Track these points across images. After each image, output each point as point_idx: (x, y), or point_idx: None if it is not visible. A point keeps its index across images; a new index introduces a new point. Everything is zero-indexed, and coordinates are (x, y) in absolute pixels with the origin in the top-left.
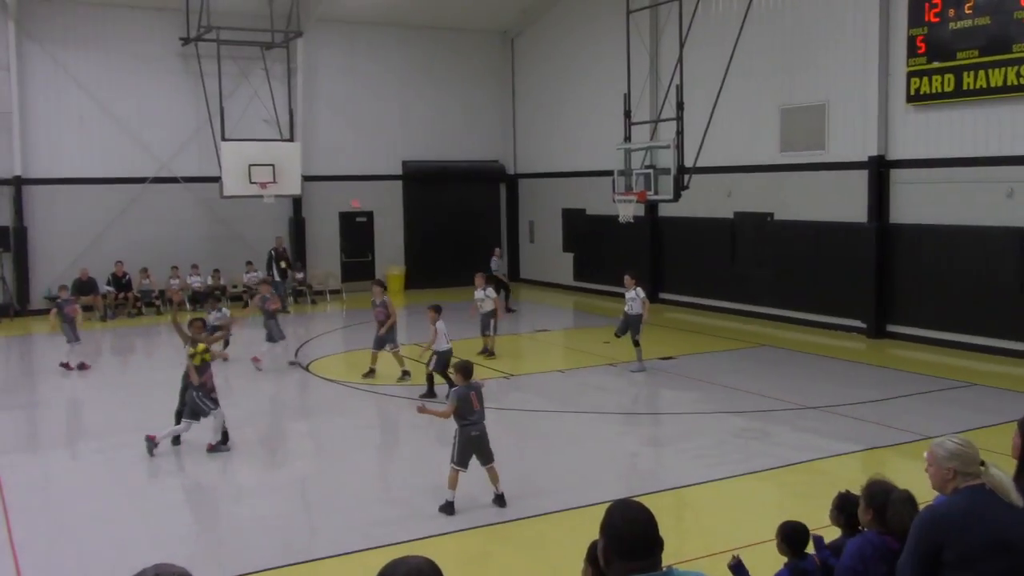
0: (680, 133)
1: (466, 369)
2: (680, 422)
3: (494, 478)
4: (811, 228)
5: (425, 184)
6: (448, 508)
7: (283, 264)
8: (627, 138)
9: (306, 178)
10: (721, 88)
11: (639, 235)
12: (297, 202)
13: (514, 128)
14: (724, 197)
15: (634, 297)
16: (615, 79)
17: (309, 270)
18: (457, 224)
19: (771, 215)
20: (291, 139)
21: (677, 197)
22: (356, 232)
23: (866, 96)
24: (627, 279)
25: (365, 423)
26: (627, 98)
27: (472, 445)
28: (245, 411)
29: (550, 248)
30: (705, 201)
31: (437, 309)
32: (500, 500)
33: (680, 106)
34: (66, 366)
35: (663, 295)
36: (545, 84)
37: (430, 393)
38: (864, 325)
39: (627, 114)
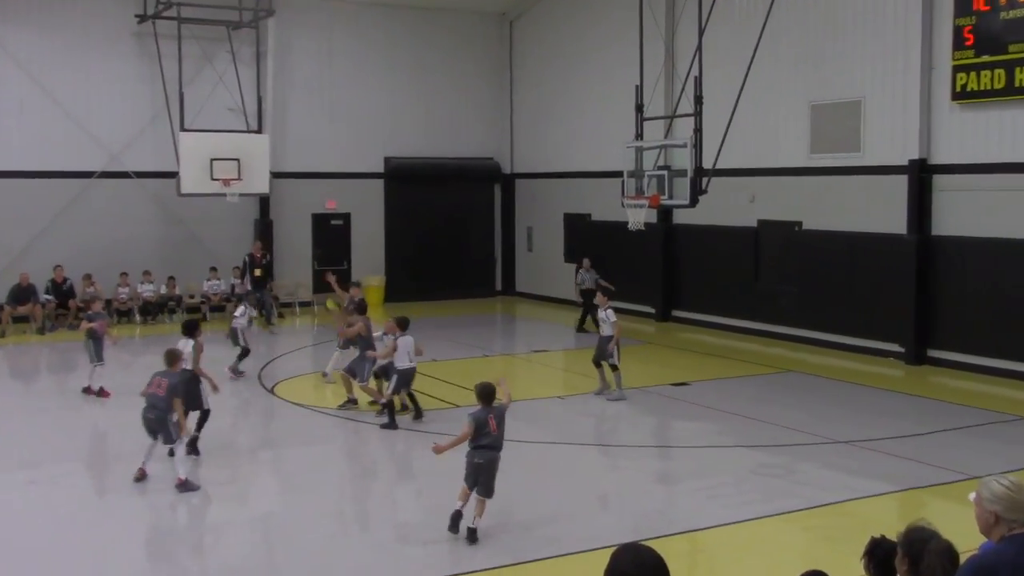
0: (698, 130)
1: (484, 392)
2: (694, 456)
3: (479, 510)
4: (844, 239)
5: (410, 184)
6: (453, 516)
7: (257, 272)
8: (638, 135)
9: (275, 175)
10: (745, 81)
11: (651, 244)
12: (264, 202)
13: (511, 122)
14: (747, 203)
15: (604, 319)
16: (626, 69)
17: (276, 279)
18: (446, 229)
19: (799, 224)
20: (259, 131)
21: (694, 202)
22: (331, 237)
23: (907, 92)
24: (599, 297)
25: (339, 453)
26: (639, 90)
27: (475, 471)
28: (204, 441)
29: (550, 258)
30: (725, 207)
31: (401, 323)
32: (472, 535)
33: (699, 100)
34: (88, 391)
35: (677, 313)
36: (547, 73)
37: (391, 423)
38: (902, 349)
39: (639, 108)
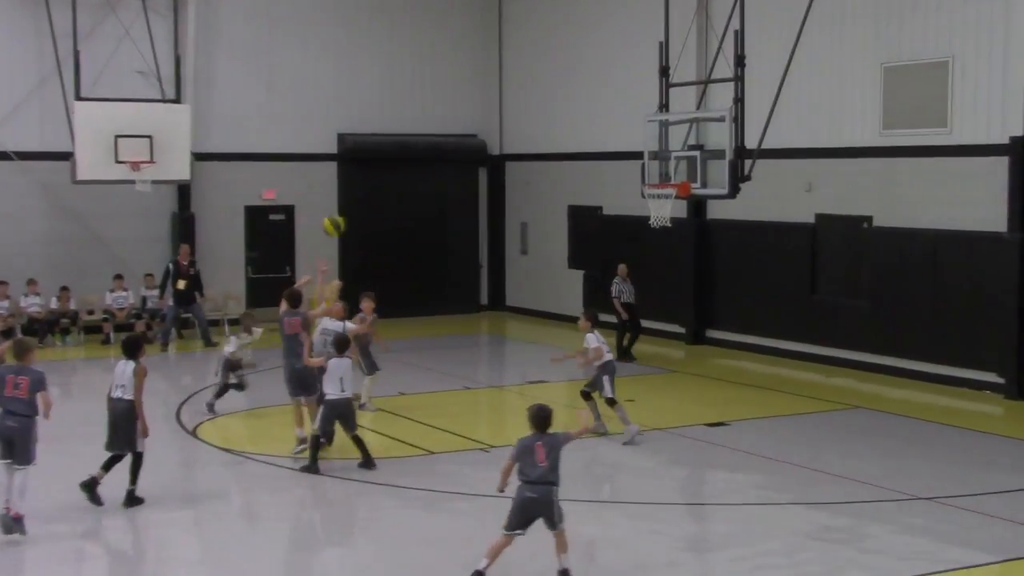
0: (739, 100)
1: (538, 417)
2: (735, 517)
3: (560, 545)
4: (926, 239)
5: (371, 168)
6: None
7: (180, 284)
8: (663, 106)
9: (198, 156)
10: (799, 37)
11: (679, 245)
12: (184, 191)
13: (501, 90)
14: (802, 193)
15: (586, 344)
16: (647, 22)
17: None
18: (417, 226)
19: (869, 220)
20: (177, 100)
21: (734, 192)
22: (269, 236)
23: (1009, 51)
24: (581, 322)
25: (273, 513)
26: (664, 48)
27: (526, 508)
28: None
29: (550, 262)
30: (774, 198)
31: (339, 344)
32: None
33: (740, 61)
34: None
35: (712, 333)
36: (546, 28)
37: (312, 465)
38: (1002, 380)
39: (664, 72)
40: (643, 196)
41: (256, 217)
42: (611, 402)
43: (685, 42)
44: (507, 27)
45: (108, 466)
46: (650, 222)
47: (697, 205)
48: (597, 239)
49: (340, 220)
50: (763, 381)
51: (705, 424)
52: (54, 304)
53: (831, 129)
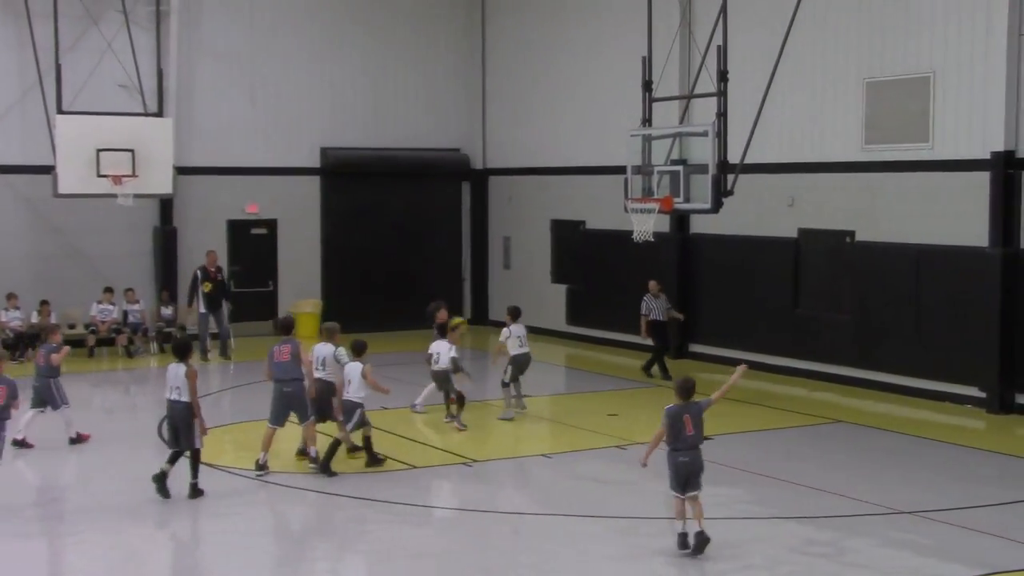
0: (722, 115)
1: (684, 388)
2: (720, 532)
3: (697, 513)
4: (908, 254)
5: (354, 182)
6: (679, 540)
7: (207, 287)
8: (646, 121)
9: (180, 170)
10: (781, 52)
11: (662, 260)
12: (166, 205)
13: (484, 105)
14: (785, 208)
15: (508, 335)
16: (630, 37)
17: (181, 305)
18: (400, 241)
19: (851, 234)
20: (159, 113)
21: (717, 206)
22: (252, 250)
23: (989, 66)
24: (509, 317)
25: (276, 531)
26: (647, 63)
27: (680, 471)
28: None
29: (533, 277)
30: (757, 213)
31: (357, 347)
32: (702, 539)
33: (723, 76)
34: (78, 438)
35: (694, 347)
36: (529, 44)
37: (324, 468)
38: (983, 395)
39: (647, 86)
40: (626, 211)
41: (238, 231)
42: (504, 384)
43: (668, 57)
44: (491, 42)
45: (173, 460)
46: (633, 237)
47: (680, 220)
48: (580, 253)
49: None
50: (746, 395)
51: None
52: (35, 319)
53: (813, 144)
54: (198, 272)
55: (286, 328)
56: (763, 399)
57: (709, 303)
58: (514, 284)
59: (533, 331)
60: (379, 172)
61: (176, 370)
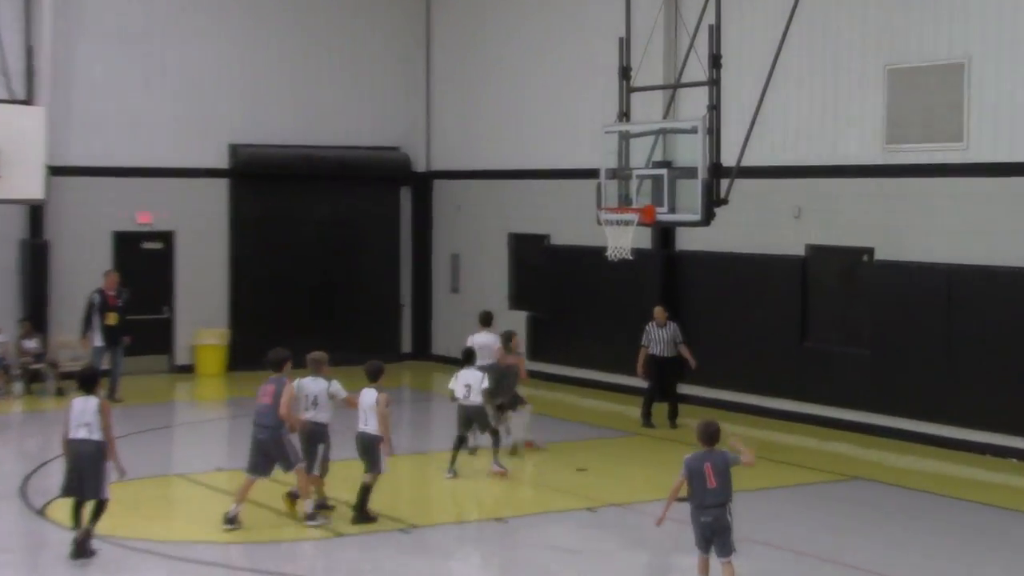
0: (715, 108)
1: (706, 433)
2: None
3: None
4: (938, 275)
5: (270, 186)
6: None
7: (111, 319)
8: (623, 115)
9: (54, 171)
10: (786, 33)
11: (642, 282)
12: (36, 213)
13: (428, 95)
14: (790, 220)
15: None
16: (605, 14)
17: (53, 335)
18: (325, 257)
19: (869, 252)
20: (28, 101)
21: (708, 218)
22: (143, 268)
23: None
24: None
25: None
26: (624, 46)
27: (705, 531)
28: None
29: (487, 302)
30: (756, 226)
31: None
32: None
33: (716, 62)
34: None
35: (682, 388)
36: (483, 23)
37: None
38: None
39: (625, 74)
40: (599, 223)
41: (127, 246)
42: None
43: (651, 38)
44: (436, 20)
45: (78, 514)
46: (607, 254)
47: (664, 234)
48: (543, 274)
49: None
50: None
51: (675, 499)
52: None
53: (824, 144)
54: (95, 297)
55: (276, 364)
56: (765, 451)
57: (699, 334)
58: (464, 311)
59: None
60: (301, 175)
61: (84, 404)
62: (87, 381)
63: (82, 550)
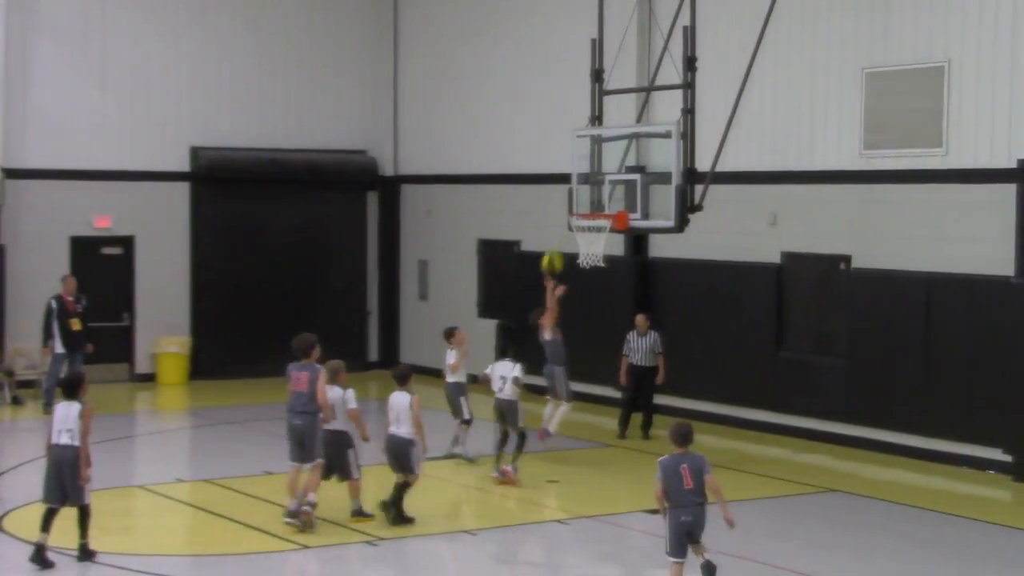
0: (690, 112)
1: (679, 434)
2: None
3: (701, 550)
4: (916, 284)
5: (232, 190)
6: None
7: (75, 325)
8: (595, 119)
9: (8, 173)
10: (762, 36)
11: (614, 290)
12: None
13: (395, 97)
14: (766, 227)
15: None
16: (577, 15)
17: (8, 343)
18: (290, 264)
19: (847, 260)
20: None
21: (682, 224)
22: (102, 274)
23: (1017, 54)
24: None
25: None
26: (597, 47)
27: (682, 532)
28: None
29: (456, 310)
30: (731, 233)
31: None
32: (709, 568)
33: (691, 65)
34: None
35: (657, 398)
36: (452, 22)
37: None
38: (1009, 458)
39: (597, 76)
40: (570, 229)
41: (84, 251)
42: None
43: (623, 40)
44: (404, 20)
45: (48, 523)
46: (579, 261)
47: (637, 240)
48: (513, 281)
49: (556, 257)
50: (717, 458)
51: (644, 511)
52: None
53: (801, 149)
54: (52, 303)
55: (304, 351)
56: (739, 463)
57: (673, 344)
58: (432, 319)
59: None
60: (264, 178)
61: (67, 410)
62: (71, 387)
63: (42, 560)
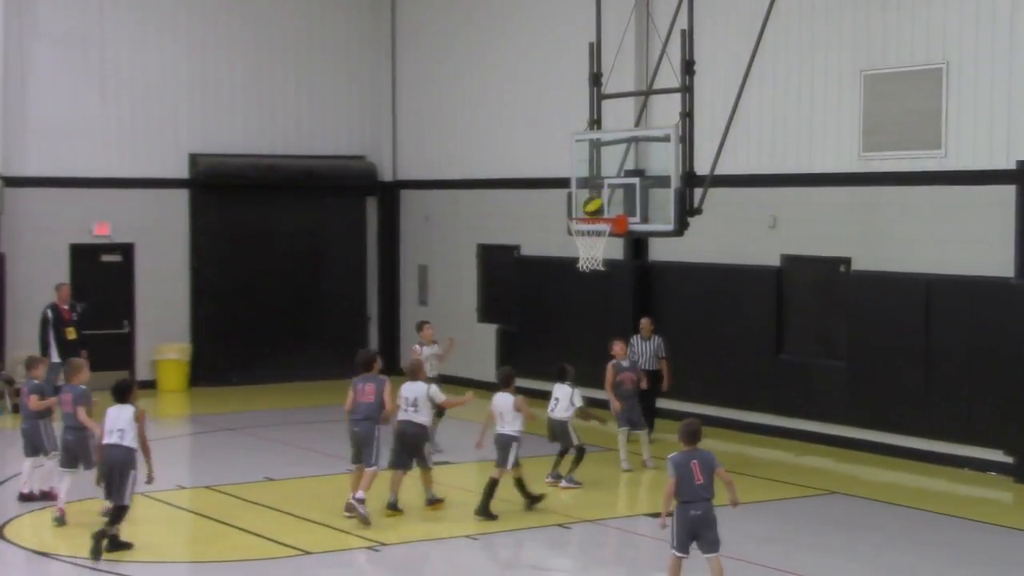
0: (688, 115)
1: (688, 432)
2: None
3: (715, 571)
4: (917, 286)
5: (231, 197)
6: None
7: (71, 334)
8: (594, 123)
9: (8, 181)
10: (760, 38)
11: (614, 293)
12: None
13: (394, 103)
14: (765, 229)
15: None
16: (576, 19)
17: (9, 351)
18: (289, 270)
19: (847, 262)
20: None
21: (681, 228)
22: (101, 281)
23: (1015, 56)
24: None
25: None
26: (595, 51)
27: (690, 527)
28: None
29: (455, 315)
30: (731, 236)
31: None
32: None
33: (689, 68)
34: (30, 497)
35: (656, 401)
36: (450, 29)
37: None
38: (1010, 460)
39: (595, 80)
40: (570, 233)
41: (84, 258)
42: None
43: (622, 44)
44: (403, 25)
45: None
46: (578, 265)
47: (636, 244)
48: (513, 286)
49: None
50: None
51: (645, 514)
52: None
53: (800, 152)
54: (48, 312)
55: (367, 364)
56: (740, 466)
57: (672, 347)
58: (432, 324)
59: (455, 381)
60: (263, 184)
61: (118, 412)
62: (122, 391)
63: (97, 550)
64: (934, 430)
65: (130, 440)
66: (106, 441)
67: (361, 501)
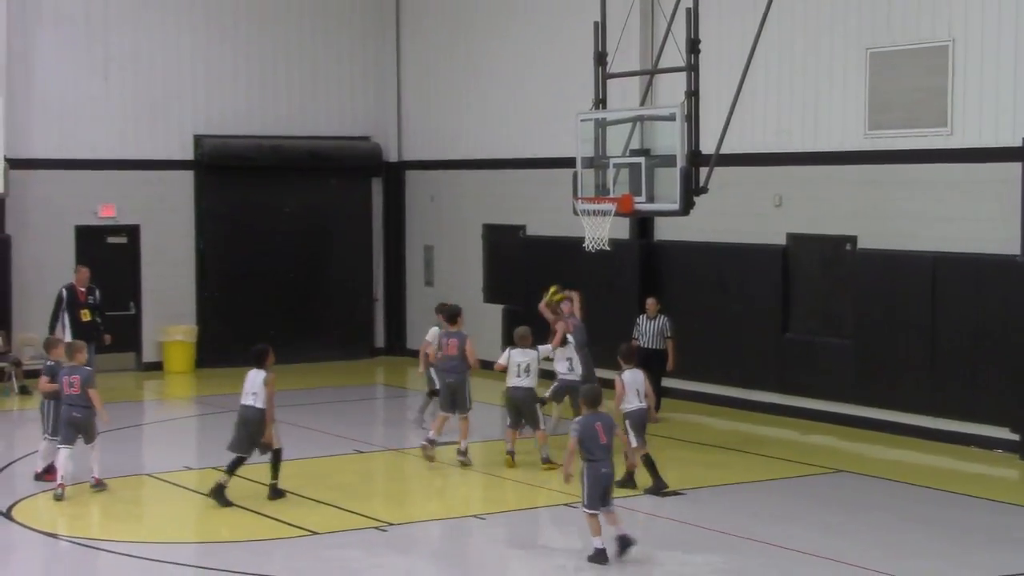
0: (694, 94)
1: (591, 396)
2: None
3: (613, 520)
4: (922, 264)
5: (236, 178)
6: (599, 556)
7: (85, 315)
8: (599, 102)
9: (13, 163)
10: (765, 16)
11: (620, 273)
12: None
13: (399, 83)
14: (771, 208)
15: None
16: (580, 0)
17: (15, 333)
18: (295, 251)
19: (852, 240)
20: None
21: (687, 207)
22: (108, 263)
23: (1021, 32)
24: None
25: None
26: (600, 30)
27: (602, 484)
28: None
29: (461, 295)
30: (737, 215)
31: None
32: (625, 542)
33: (694, 47)
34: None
35: (662, 381)
36: (455, 9)
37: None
38: (1016, 437)
39: (600, 59)
40: (575, 213)
41: (90, 240)
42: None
43: (627, 22)
44: (407, 5)
45: (232, 469)
46: (584, 245)
47: (642, 223)
48: (519, 266)
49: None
50: (725, 440)
51: (650, 492)
52: None
53: (805, 130)
54: (63, 293)
55: (451, 318)
56: (746, 444)
57: (678, 326)
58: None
59: None
60: (268, 166)
61: (255, 376)
62: (259, 357)
63: (276, 494)
64: (940, 408)
65: (261, 402)
66: (243, 402)
67: (463, 452)
